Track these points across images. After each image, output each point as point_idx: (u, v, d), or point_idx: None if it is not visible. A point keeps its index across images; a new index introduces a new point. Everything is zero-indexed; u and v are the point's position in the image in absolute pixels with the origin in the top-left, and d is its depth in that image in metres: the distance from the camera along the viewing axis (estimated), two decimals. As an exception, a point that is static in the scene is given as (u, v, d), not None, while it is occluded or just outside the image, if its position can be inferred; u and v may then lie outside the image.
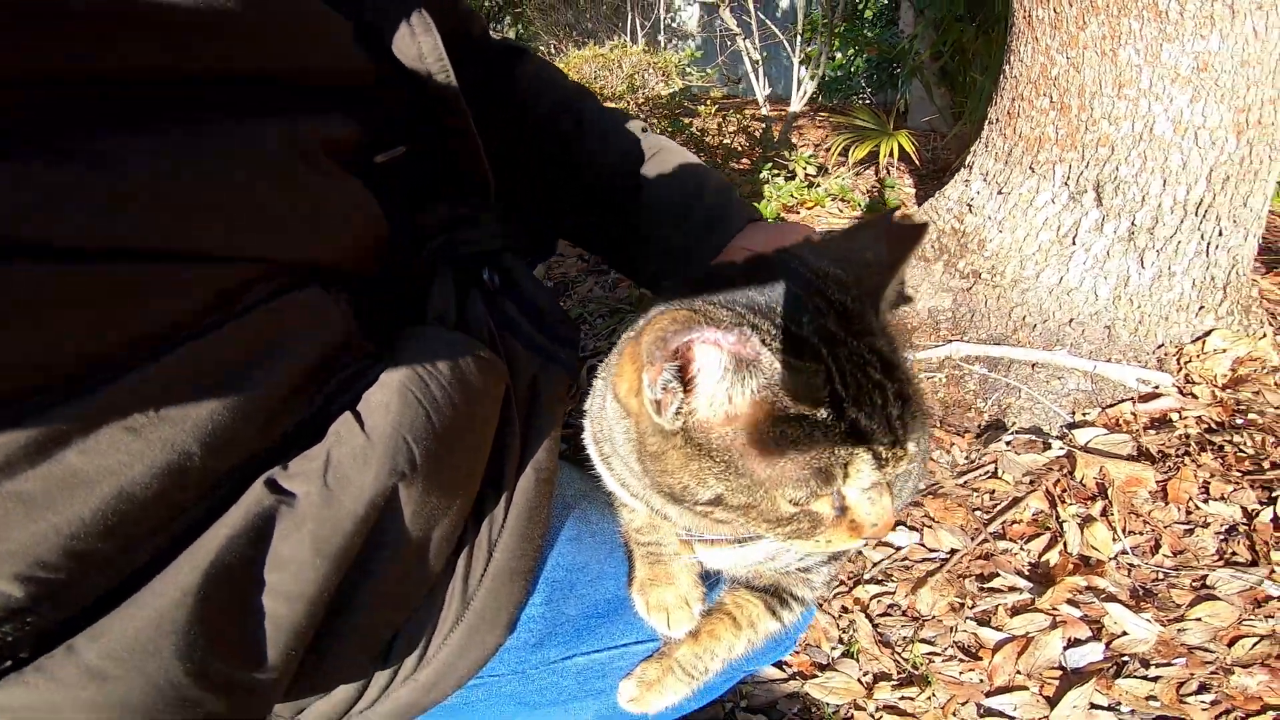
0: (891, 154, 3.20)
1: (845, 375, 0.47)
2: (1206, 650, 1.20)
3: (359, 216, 0.60)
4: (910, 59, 3.59)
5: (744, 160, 3.09)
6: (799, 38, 3.29)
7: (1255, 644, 1.20)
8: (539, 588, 0.69)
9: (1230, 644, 1.20)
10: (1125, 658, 1.20)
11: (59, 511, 0.40)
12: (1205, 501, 1.48)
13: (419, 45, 0.64)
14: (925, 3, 3.39)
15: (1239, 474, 1.54)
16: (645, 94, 2.82)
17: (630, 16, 4.42)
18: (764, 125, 3.31)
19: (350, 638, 0.55)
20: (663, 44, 4.76)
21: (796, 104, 3.44)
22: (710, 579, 0.79)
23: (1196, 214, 1.79)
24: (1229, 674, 1.16)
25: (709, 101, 3.15)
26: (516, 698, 0.70)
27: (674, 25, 5.92)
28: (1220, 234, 1.80)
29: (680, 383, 0.46)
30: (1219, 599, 1.28)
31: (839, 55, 4.92)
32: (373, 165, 0.65)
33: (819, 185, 2.89)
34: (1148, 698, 1.14)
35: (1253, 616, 1.25)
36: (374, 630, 0.57)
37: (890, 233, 0.56)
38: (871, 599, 1.35)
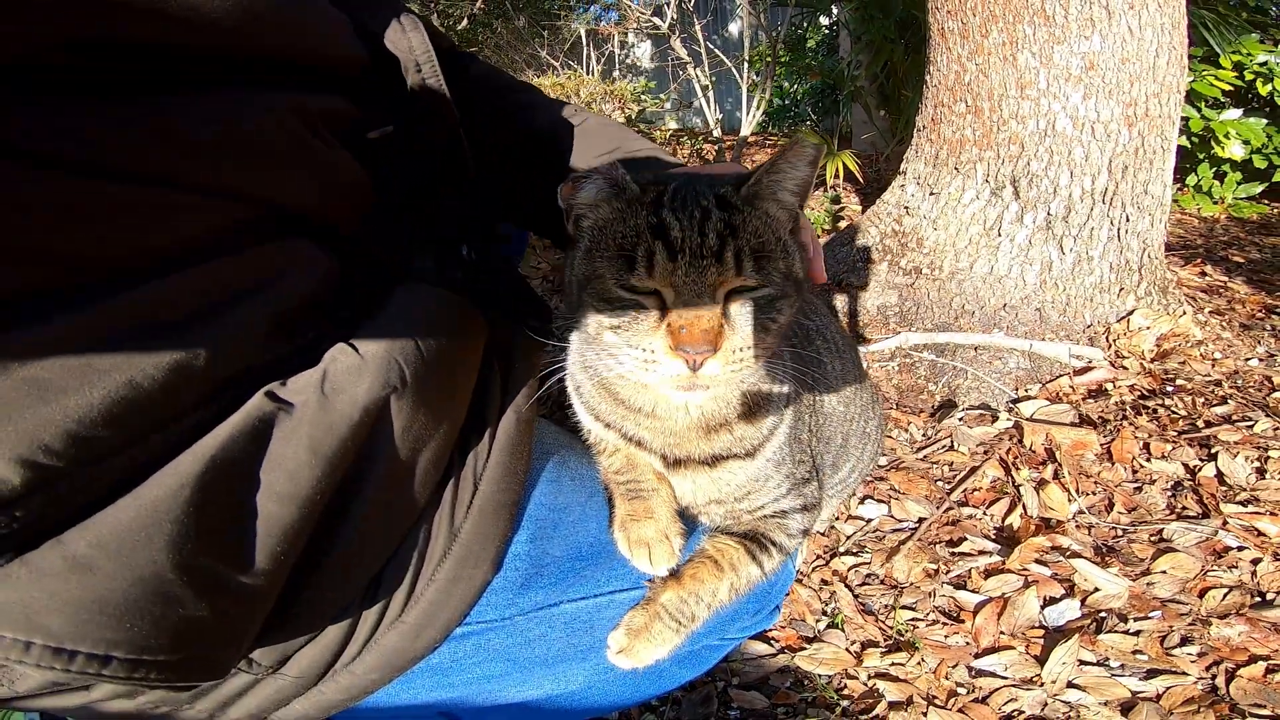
0: (837, 173, 3.38)
1: (678, 198, 0.64)
2: (1179, 603, 1.25)
3: (350, 183, 0.67)
4: (849, 83, 3.83)
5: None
6: (746, 64, 3.49)
7: (1226, 594, 1.25)
8: (523, 525, 0.72)
9: (1200, 595, 1.25)
10: (1103, 613, 1.24)
11: (70, 396, 0.42)
12: (1148, 460, 1.59)
13: (409, 40, 0.74)
14: (861, 29, 3.64)
15: (1175, 434, 1.66)
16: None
17: (586, 50, 4.61)
18: (716, 149, 3.47)
19: (342, 555, 0.57)
20: (616, 78, 4.96)
21: (746, 128, 3.62)
22: (689, 523, 0.82)
23: (1104, 202, 1.95)
24: (1207, 625, 1.20)
25: (662, 129, 3.29)
26: (505, 654, 0.72)
27: (627, 60, 6.15)
28: (1128, 220, 1.97)
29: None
30: (1178, 551, 1.34)
31: (785, 84, 5.20)
32: (366, 141, 0.71)
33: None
34: (1134, 652, 1.17)
35: (1216, 567, 1.31)
36: (364, 552, 0.59)
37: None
38: (849, 570, 1.40)
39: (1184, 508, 1.46)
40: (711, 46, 3.64)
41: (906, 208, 2.23)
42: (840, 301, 2.21)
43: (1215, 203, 3.58)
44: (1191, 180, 3.63)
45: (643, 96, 3.56)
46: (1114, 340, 1.95)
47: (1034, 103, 1.93)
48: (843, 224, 3.11)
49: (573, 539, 0.76)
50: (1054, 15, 1.86)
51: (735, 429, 0.75)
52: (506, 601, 0.71)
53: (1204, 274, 2.67)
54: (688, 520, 0.82)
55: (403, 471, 0.60)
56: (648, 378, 0.63)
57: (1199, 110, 3.36)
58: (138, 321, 0.46)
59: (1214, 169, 3.59)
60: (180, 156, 0.51)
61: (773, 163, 0.66)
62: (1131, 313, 1.99)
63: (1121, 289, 2.01)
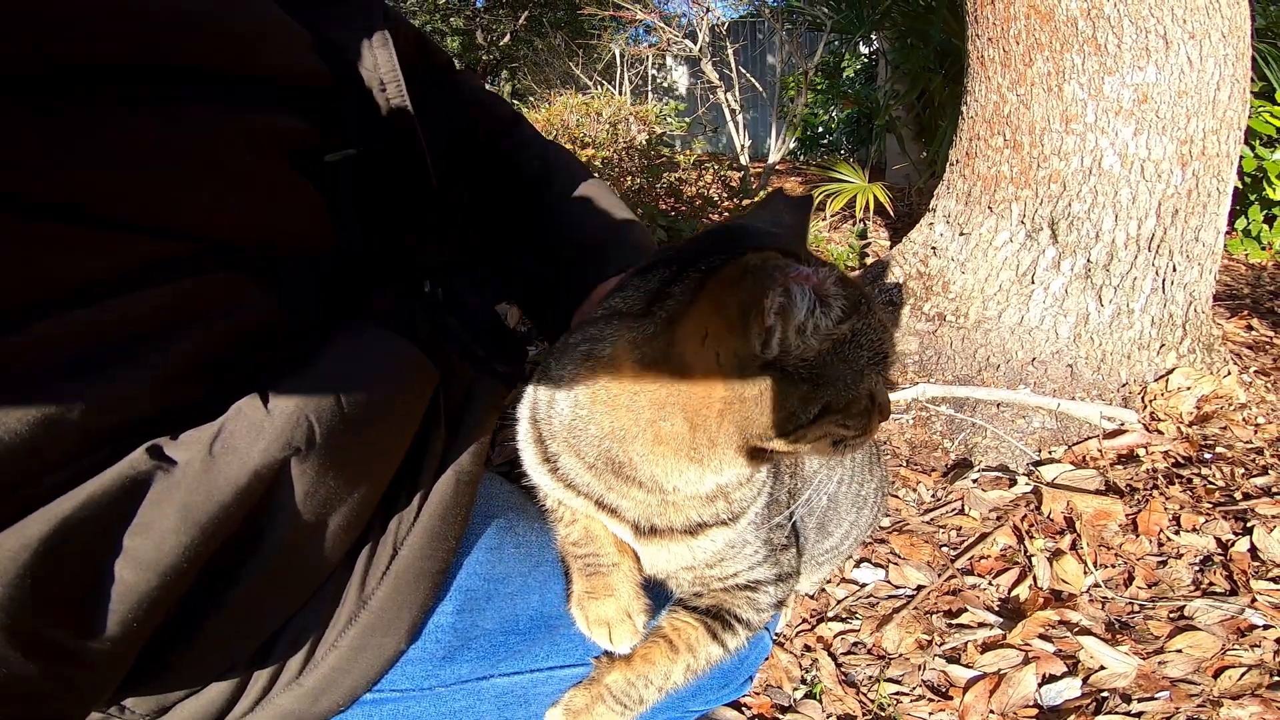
0: (867, 206, 3.29)
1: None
2: (1191, 682, 1.16)
3: (302, 211, 0.62)
4: (883, 112, 3.74)
5: (722, 210, 3.17)
6: (778, 89, 3.43)
7: (1243, 674, 1.16)
8: (450, 595, 0.66)
9: (1215, 675, 1.16)
10: (1105, 693, 1.15)
11: None
12: (1177, 533, 1.47)
13: (375, 57, 0.69)
14: (900, 58, 3.56)
15: (1209, 506, 1.53)
16: (625, 141, 2.93)
17: (620, 70, 4.62)
18: (741, 175, 3.41)
19: (222, 621, 0.52)
20: (650, 100, 4.97)
21: (775, 155, 3.55)
22: (653, 593, 0.76)
23: (1150, 249, 1.82)
24: (1218, 706, 1.11)
25: (687, 153, 3.26)
26: None
27: (664, 84, 6.17)
28: (1174, 269, 1.83)
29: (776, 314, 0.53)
30: (1199, 629, 1.24)
31: (820, 113, 5.13)
32: (323, 165, 0.67)
33: (794, 232, 2.94)
34: (1133, 733, 1.08)
35: (1237, 646, 1.21)
36: (251, 617, 0.55)
37: (791, 203, 0.71)
38: (835, 637, 1.31)
39: (1211, 584, 1.36)
40: (744, 71, 3.59)
41: (934, 248, 2.13)
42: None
43: (1264, 249, 3.36)
44: (1240, 224, 3.41)
45: (669, 119, 3.54)
46: (1150, 401, 1.82)
47: (1079, 138, 1.81)
48: (869, 260, 3.02)
49: (509, 611, 0.70)
50: (1105, 44, 1.74)
51: (734, 493, 0.70)
52: (426, 673, 0.65)
53: (1250, 328, 2.50)
54: (654, 586, 0.76)
55: (304, 535, 0.55)
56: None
57: (1253, 149, 3.16)
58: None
59: (1264, 212, 3.37)
60: (86, 182, 0.46)
61: (803, 221, 0.71)
62: (1171, 371, 1.85)
63: (1162, 345, 1.87)
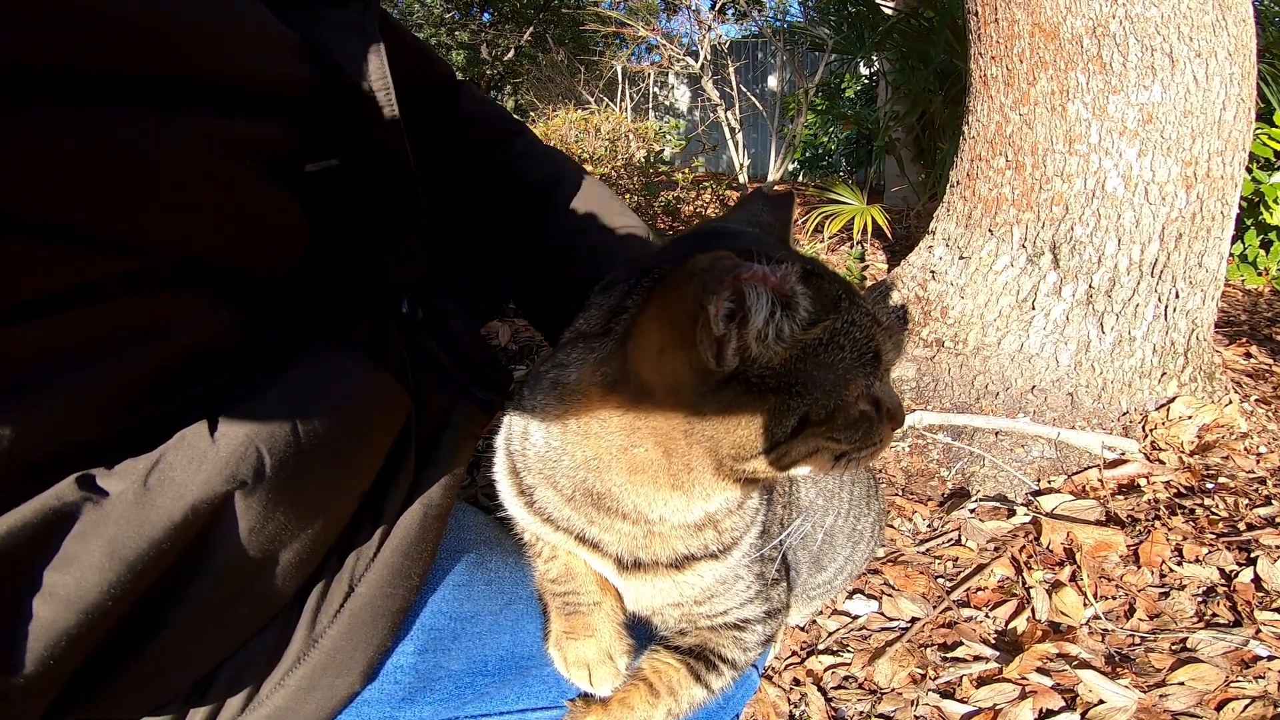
0: (865, 229, 3.27)
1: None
2: (1193, 715, 1.12)
3: (276, 223, 0.59)
4: (883, 133, 3.75)
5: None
6: (778, 109, 3.44)
7: (1247, 706, 1.12)
8: (412, 634, 0.62)
9: (1219, 708, 1.13)
10: None
11: None
12: (1179, 564, 1.44)
13: (366, 65, 0.66)
14: (900, 79, 3.56)
15: (1213, 536, 1.49)
16: (624, 158, 2.92)
17: (621, 87, 4.64)
18: (740, 194, 3.40)
19: (154, 659, 0.49)
20: (651, 117, 4.99)
21: (774, 174, 3.55)
22: (636, 630, 0.73)
23: (1153, 275, 1.79)
24: None
25: (686, 171, 3.26)
26: None
27: (666, 102, 6.20)
28: (1177, 296, 1.80)
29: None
30: (1202, 661, 1.21)
31: (820, 134, 5.15)
32: (303, 175, 0.64)
33: (791, 256, 2.92)
34: (1129, 767, 1.04)
35: (1241, 678, 1.18)
36: (188, 652, 0.51)
37: (771, 200, 0.68)
38: (825, 670, 1.26)
39: (1214, 615, 1.32)
40: (744, 90, 3.60)
41: (933, 271, 2.10)
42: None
43: (1260, 274, 3.33)
44: (1236, 249, 3.39)
45: (667, 136, 3.54)
46: (1151, 430, 1.78)
47: (1083, 159, 1.77)
48: (868, 284, 3.00)
49: (477, 651, 0.66)
50: (1110, 62, 1.71)
51: (724, 521, 0.66)
52: (383, 715, 0.61)
53: (1249, 355, 2.47)
54: (637, 623, 0.73)
55: (249, 570, 0.51)
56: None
57: (1249, 172, 3.15)
58: None
59: (1261, 236, 3.34)
60: (37, 191, 0.43)
61: (785, 220, 0.68)
62: (1172, 400, 1.82)
63: (1164, 374, 1.84)
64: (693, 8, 3.96)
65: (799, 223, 3.57)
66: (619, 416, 0.54)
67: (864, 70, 5.36)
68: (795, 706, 1.21)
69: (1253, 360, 2.42)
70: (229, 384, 0.53)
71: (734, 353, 0.48)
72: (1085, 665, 1.22)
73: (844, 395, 0.51)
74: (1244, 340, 2.61)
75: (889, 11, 3.61)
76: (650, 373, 0.51)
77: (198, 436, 0.48)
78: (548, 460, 0.60)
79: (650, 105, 5.43)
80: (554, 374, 0.58)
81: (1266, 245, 3.35)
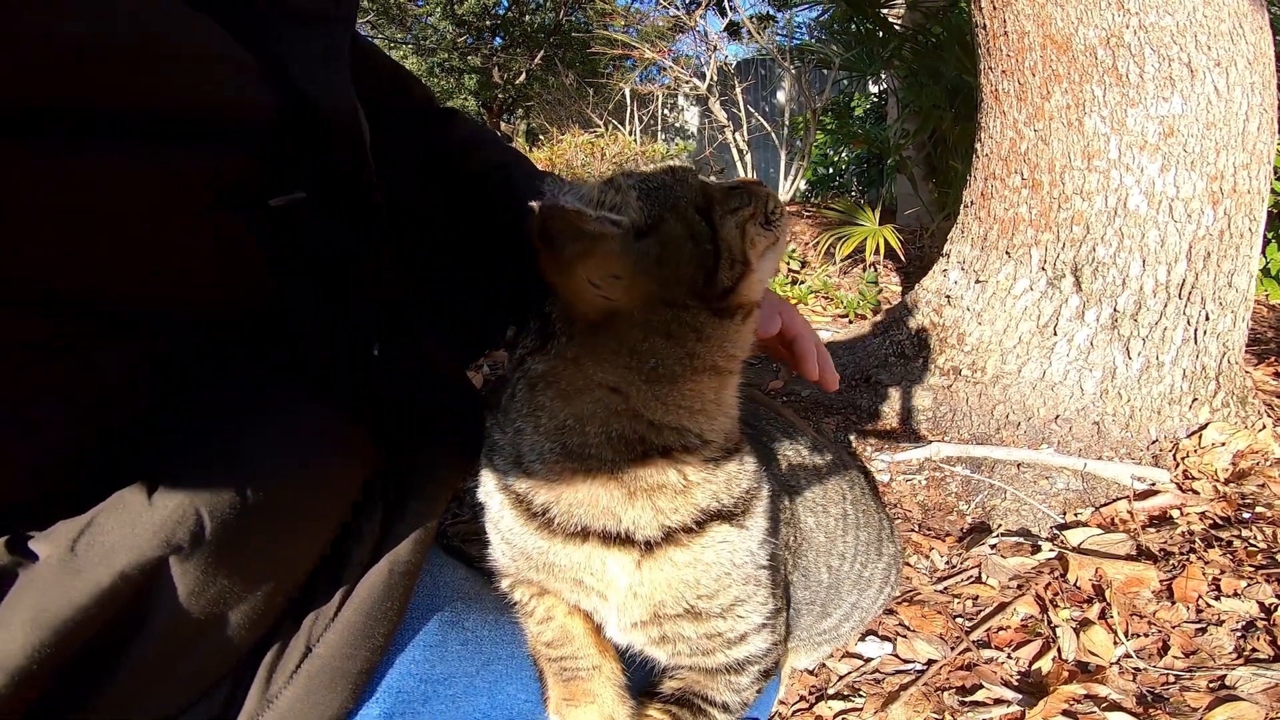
0: (877, 250, 3.21)
1: None
2: None
3: (234, 263, 0.55)
4: (894, 152, 3.70)
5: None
6: (785, 128, 3.42)
7: None
8: (378, 696, 0.58)
9: None
10: None
11: None
12: (1217, 599, 1.36)
13: (333, 89, 0.62)
14: (910, 96, 3.53)
15: (1252, 569, 1.41)
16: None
17: (630, 110, 4.66)
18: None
19: (97, 717, 0.46)
20: (660, 139, 5.00)
21: (784, 195, 3.52)
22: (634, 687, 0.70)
23: (1180, 296, 1.71)
24: None
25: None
26: None
27: (675, 124, 6.22)
28: (1207, 318, 1.72)
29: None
30: (1241, 699, 1.13)
31: (830, 153, 5.12)
32: (266, 209, 0.60)
33: (802, 281, 2.89)
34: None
35: None
36: (132, 712, 0.48)
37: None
38: (836, 716, 1.19)
39: (1254, 650, 1.24)
40: (753, 110, 3.59)
41: (948, 296, 2.02)
42: (866, 400, 2.01)
43: None
44: (1260, 263, 3.28)
45: (674, 159, 3.53)
46: (1183, 459, 1.70)
47: (1102, 175, 1.70)
48: (883, 308, 2.93)
49: (450, 715, 0.60)
50: (1127, 73, 1.65)
51: (728, 465, 0.66)
52: (347, 780, 0.56)
53: (1279, 375, 2.37)
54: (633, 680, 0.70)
55: (193, 631, 0.48)
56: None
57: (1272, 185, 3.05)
58: None
59: None
60: None
61: None
62: (1204, 427, 1.73)
63: (1195, 400, 1.75)
64: (700, 30, 3.98)
65: (810, 244, 3.52)
66: (598, 350, 0.56)
67: (873, 88, 5.35)
68: (805, 758, 1.13)
69: (1284, 381, 2.32)
70: (173, 440, 0.50)
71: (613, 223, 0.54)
72: (1115, 707, 1.14)
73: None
74: (1272, 359, 2.51)
75: (898, 27, 3.59)
76: (588, 303, 0.55)
77: (134, 498, 0.45)
78: (565, 430, 0.58)
79: (659, 127, 5.45)
80: (522, 382, 0.59)
81: (1290, 259, 3.24)
